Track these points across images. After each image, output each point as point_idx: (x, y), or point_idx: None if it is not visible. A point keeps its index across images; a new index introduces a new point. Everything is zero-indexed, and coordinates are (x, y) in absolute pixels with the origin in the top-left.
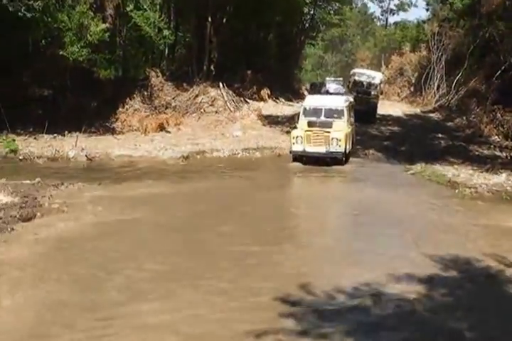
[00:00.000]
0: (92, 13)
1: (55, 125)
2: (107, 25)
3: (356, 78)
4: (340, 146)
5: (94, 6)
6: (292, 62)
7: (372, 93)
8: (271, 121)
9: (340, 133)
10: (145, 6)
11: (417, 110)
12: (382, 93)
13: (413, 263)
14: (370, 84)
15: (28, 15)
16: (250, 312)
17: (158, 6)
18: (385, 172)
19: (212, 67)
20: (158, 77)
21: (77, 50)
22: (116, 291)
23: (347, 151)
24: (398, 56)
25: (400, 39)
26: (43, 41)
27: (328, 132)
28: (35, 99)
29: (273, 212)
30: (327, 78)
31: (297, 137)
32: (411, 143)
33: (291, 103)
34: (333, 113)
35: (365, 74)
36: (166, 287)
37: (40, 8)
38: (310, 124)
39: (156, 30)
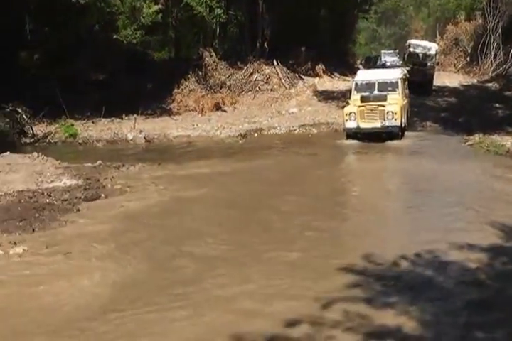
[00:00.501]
0: None
1: (112, 108)
2: (159, 6)
3: (411, 50)
4: (396, 120)
5: None
6: (346, 36)
7: (428, 64)
8: (326, 96)
9: (395, 107)
10: None
11: (474, 80)
12: (438, 64)
13: (474, 232)
14: (425, 55)
15: (82, 1)
16: (318, 281)
17: None
18: (443, 144)
19: (265, 45)
20: (211, 56)
21: (131, 32)
22: (189, 267)
23: (403, 125)
24: (453, 26)
25: (455, 8)
26: (97, 26)
27: (383, 106)
28: (92, 83)
29: (332, 186)
30: (382, 51)
31: (350, 113)
32: (468, 114)
33: (346, 78)
34: (386, 86)
35: (421, 45)
36: (236, 260)
37: None
38: (363, 99)
39: (208, 10)
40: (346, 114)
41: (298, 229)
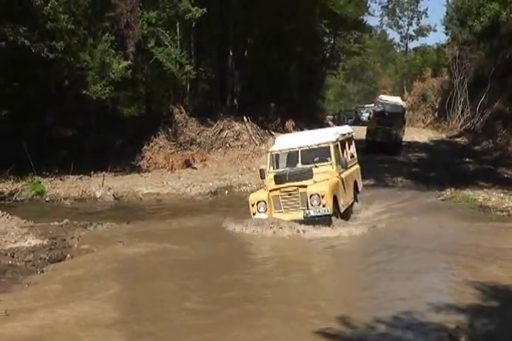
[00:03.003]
0: (113, 51)
1: (81, 165)
2: (129, 62)
3: (377, 109)
4: (324, 206)
5: (116, 43)
6: (315, 92)
7: (395, 124)
8: None
9: (322, 186)
10: (166, 42)
11: (443, 135)
12: (404, 123)
13: (451, 292)
14: (391, 114)
15: (51, 56)
16: None
17: (178, 42)
18: (416, 200)
19: (235, 101)
20: (181, 113)
21: (100, 88)
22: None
23: (341, 209)
24: (420, 82)
25: (421, 64)
26: (66, 81)
27: (305, 186)
28: (60, 139)
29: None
30: (356, 106)
31: (258, 203)
32: (439, 169)
33: None
34: (314, 155)
35: (391, 102)
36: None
37: (62, 49)
38: (277, 179)
39: (178, 66)
40: (253, 205)
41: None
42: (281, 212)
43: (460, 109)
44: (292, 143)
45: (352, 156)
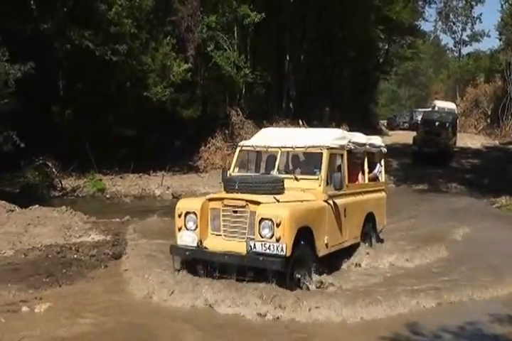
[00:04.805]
0: (174, 54)
1: (141, 164)
2: (189, 65)
3: (425, 117)
4: (278, 240)
5: (177, 47)
6: (368, 97)
7: (443, 133)
8: None
9: (281, 209)
10: (225, 46)
11: (496, 142)
12: (455, 132)
13: None
14: (442, 123)
15: (114, 58)
16: None
17: (235, 46)
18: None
19: (290, 105)
20: (238, 115)
21: (161, 90)
22: None
23: (319, 251)
24: (473, 87)
25: (474, 70)
26: (127, 83)
27: (257, 203)
28: (121, 139)
29: None
30: (414, 109)
31: (187, 215)
32: (493, 176)
33: None
34: (299, 161)
35: (439, 110)
36: None
37: (125, 52)
38: (227, 185)
39: (235, 69)
40: (179, 215)
41: None
42: (220, 235)
43: None
44: (275, 140)
45: (374, 179)
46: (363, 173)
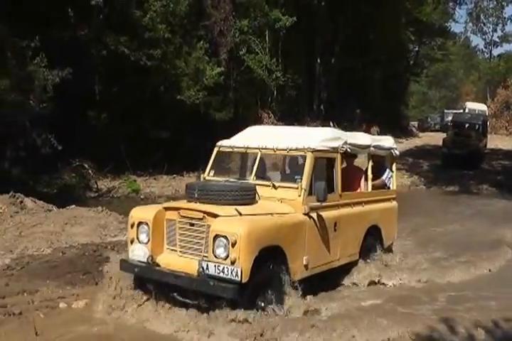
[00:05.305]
0: (207, 58)
1: (174, 166)
2: (222, 68)
3: (454, 119)
4: (233, 262)
5: (209, 51)
6: (398, 99)
7: (474, 134)
8: None
9: (239, 224)
10: (257, 50)
11: None
12: (485, 134)
13: None
14: (471, 124)
15: (149, 63)
16: None
17: (267, 49)
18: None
19: (321, 107)
20: (270, 117)
21: (194, 93)
22: None
23: (297, 274)
24: (504, 89)
25: (505, 71)
26: (161, 87)
27: (215, 216)
28: (155, 141)
29: None
30: (445, 111)
31: (140, 225)
32: None
33: (400, 140)
34: (280, 166)
35: (469, 111)
36: None
37: (159, 56)
38: (188, 193)
39: (267, 73)
40: (132, 225)
41: None
42: (175, 250)
43: None
44: (256, 140)
45: (382, 186)
46: (366, 180)
